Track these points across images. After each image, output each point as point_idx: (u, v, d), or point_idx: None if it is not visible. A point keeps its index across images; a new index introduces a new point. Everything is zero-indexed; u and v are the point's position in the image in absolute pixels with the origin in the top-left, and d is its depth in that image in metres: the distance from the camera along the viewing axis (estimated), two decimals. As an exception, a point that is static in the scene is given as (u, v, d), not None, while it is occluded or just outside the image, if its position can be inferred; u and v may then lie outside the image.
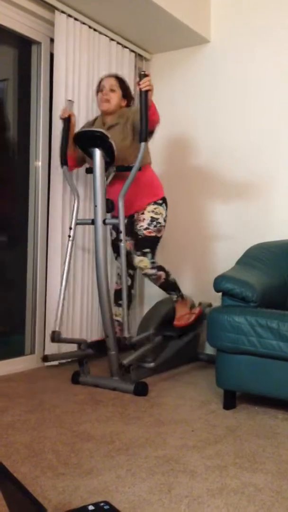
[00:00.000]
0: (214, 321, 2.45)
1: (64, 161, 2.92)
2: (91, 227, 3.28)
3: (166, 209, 3.03)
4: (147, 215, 2.96)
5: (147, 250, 2.92)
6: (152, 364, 3.03)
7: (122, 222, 2.71)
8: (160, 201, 3.00)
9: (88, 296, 3.33)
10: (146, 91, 2.61)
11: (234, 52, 3.54)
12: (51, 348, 3.09)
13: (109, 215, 2.93)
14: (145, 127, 2.64)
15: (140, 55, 3.75)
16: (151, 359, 3.03)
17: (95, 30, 3.30)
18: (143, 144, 2.68)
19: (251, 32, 3.48)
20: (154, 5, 3.09)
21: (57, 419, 2.25)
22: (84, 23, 3.21)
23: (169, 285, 3.03)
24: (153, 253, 2.94)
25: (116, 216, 2.83)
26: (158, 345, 3.01)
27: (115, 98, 2.92)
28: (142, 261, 2.91)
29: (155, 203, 2.98)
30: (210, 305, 3.40)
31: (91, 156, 2.74)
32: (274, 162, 3.39)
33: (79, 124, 3.19)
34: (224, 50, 3.58)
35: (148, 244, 2.93)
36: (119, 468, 1.78)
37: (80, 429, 2.13)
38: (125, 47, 3.57)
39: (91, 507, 1.21)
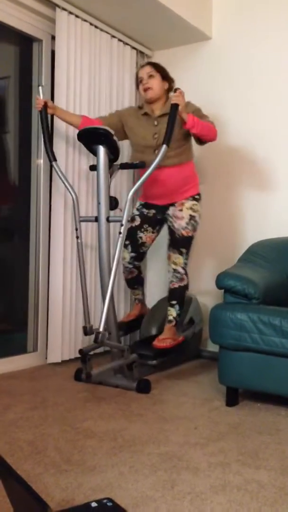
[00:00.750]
0: (217, 318, 2.45)
1: (52, 157, 2.84)
2: (94, 225, 3.28)
3: (201, 206, 3.05)
4: (185, 213, 2.96)
5: (184, 250, 2.97)
6: (154, 361, 3.03)
7: (125, 217, 2.69)
8: (197, 197, 3.03)
9: (91, 292, 3.33)
10: (176, 105, 2.69)
11: (236, 49, 3.53)
12: (54, 345, 3.09)
13: (112, 212, 2.92)
14: (170, 133, 2.68)
15: (141, 52, 3.74)
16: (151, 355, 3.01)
17: (96, 27, 3.29)
18: (164, 146, 2.68)
19: (252, 28, 3.46)
20: (155, 2, 3.09)
21: (60, 416, 2.25)
22: (85, 21, 3.20)
23: (180, 295, 2.99)
24: (187, 253, 3.00)
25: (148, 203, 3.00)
26: (132, 362, 2.80)
27: (156, 83, 2.91)
28: (178, 258, 2.96)
29: (194, 198, 3.00)
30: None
31: (94, 153, 2.74)
32: (276, 158, 3.38)
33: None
34: (226, 47, 3.57)
35: (185, 244, 2.97)
36: (122, 465, 1.78)
37: (83, 426, 2.13)
38: (127, 44, 3.56)
39: (94, 504, 1.21)
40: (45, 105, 2.83)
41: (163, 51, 3.80)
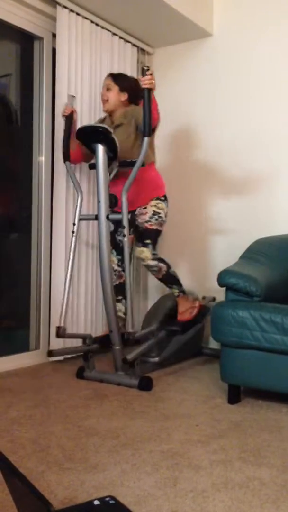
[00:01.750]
0: (219, 315, 2.45)
1: (66, 157, 2.94)
2: (95, 223, 3.28)
3: (167, 206, 3.06)
4: (149, 209, 2.99)
5: (148, 241, 2.95)
6: (156, 359, 3.03)
7: (125, 218, 2.71)
8: (162, 198, 3.04)
9: (92, 291, 3.33)
10: (149, 89, 2.61)
11: (237, 46, 3.52)
12: (56, 343, 3.09)
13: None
14: (148, 123, 2.66)
15: (142, 50, 3.73)
16: (155, 354, 3.04)
17: (97, 24, 3.29)
18: (146, 139, 2.68)
19: (253, 25, 3.46)
20: (156, -1, 3.08)
21: (62, 414, 2.26)
22: (86, 18, 3.20)
23: (170, 278, 3.03)
24: (154, 244, 2.97)
25: (119, 212, 2.83)
26: (162, 340, 3.02)
27: (113, 96, 2.96)
28: (143, 252, 2.94)
29: (158, 198, 3.02)
30: (214, 299, 3.41)
31: (94, 151, 2.75)
32: (276, 155, 3.38)
33: (83, 119, 3.19)
34: (227, 43, 3.56)
35: (149, 235, 2.97)
36: (124, 462, 1.79)
37: (85, 424, 2.14)
38: (128, 41, 3.56)
39: (96, 502, 1.21)
40: (71, 114, 2.95)
41: (164, 48, 3.80)
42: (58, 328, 2.74)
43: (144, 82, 2.60)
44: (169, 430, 2.10)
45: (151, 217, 2.97)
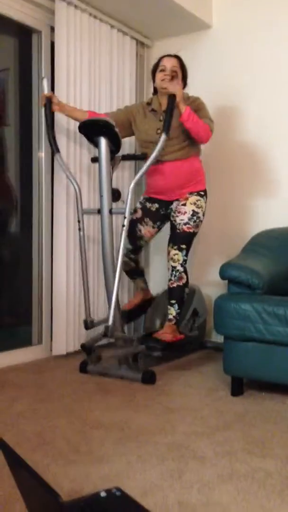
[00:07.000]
0: (221, 308, 2.45)
1: (56, 148, 2.85)
2: (97, 217, 3.27)
3: (206, 202, 2.99)
4: (188, 208, 2.90)
5: (184, 246, 2.89)
6: (159, 353, 3.03)
7: (128, 210, 2.69)
8: (202, 193, 2.96)
9: (94, 285, 3.33)
10: (174, 95, 2.70)
11: (236, 38, 3.50)
12: (58, 338, 3.10)
13: (114, 204, 2.91)
14: (167, 123, 2.69)
15: (141, 42, 3.72)
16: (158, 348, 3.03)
17: (95, 17, 3.27)
18: (163, 135, 2.69)
19: (253, 17, 3.44)
20: (155, -9, 3.07)
21: (67, 408, 2.26)
22: (84, 11, 3.18)
23: (181, 295, 2.91)
24: (187, 250, 2.91)
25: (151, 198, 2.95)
26: (137, 353, 2.82)
27: (177, 80, 2.87)
28: (177, 254, 2.88)
29: (198, 194, 2.94)
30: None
31: (96, 145, 2.73)
32: (279, 148, 3.37)
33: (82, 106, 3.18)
34: (226, 35, 3.55)
35: (185, 240, 2.90)
36: (129, 455, 1.79)
37: (89, 418, 2.15)
38: (126, 34, 3.54)
39: (103, 494, 1.21)
40: (49, 100, 2.82)
41: (163, 40, 3.78)
42: (85, 321, 2.80)
43: (172, 88, 2.72)
44: (173, 423, 2.11)
45: (190, 219, 2.88)
